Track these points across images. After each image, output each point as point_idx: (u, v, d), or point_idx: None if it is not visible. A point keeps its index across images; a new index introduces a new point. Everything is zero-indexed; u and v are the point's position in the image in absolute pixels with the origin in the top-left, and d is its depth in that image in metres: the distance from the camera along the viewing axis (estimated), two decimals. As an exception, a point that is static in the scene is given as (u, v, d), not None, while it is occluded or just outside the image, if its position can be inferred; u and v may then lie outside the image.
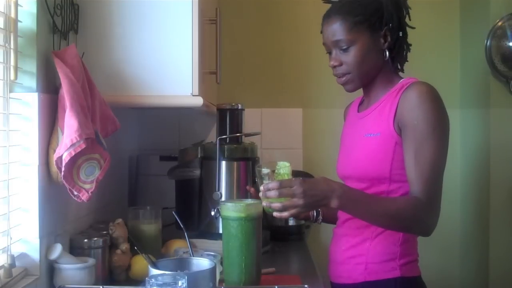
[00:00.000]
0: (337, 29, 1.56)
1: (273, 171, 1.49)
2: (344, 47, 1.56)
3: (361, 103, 1.73)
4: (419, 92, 1.50)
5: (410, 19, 1.63)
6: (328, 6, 1.64)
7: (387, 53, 1.58)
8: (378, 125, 1.56)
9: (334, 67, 1.60)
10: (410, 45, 1.64)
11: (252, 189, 1.74)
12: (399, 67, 1.64)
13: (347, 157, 1.67)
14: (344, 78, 1.60)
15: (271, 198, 1.42)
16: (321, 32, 1.64)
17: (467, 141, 2.59)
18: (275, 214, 1.44)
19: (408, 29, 1.63)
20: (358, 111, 1.71)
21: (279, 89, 2.65)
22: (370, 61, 1.58)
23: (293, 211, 1.41)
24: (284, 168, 1.49)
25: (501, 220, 2.41)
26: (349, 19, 1.55)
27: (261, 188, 1.45)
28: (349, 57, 1.57)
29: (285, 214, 1.42)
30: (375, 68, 1.60)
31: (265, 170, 1.49)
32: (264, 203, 1.45)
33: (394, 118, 1.52)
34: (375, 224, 1.54)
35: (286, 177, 1.47)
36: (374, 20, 1.56)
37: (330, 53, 1.62)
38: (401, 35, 1.60)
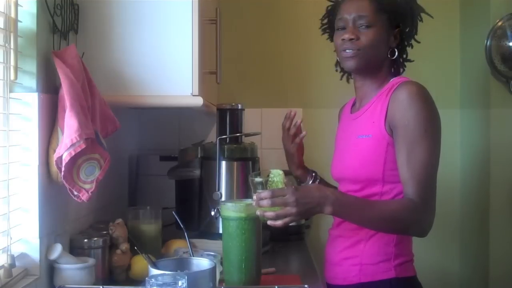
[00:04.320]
0: (364, 6, 1.57)
1: (266, 180, 1.48)
2: (365, 24, 1.56)
3: (354, 104, 1.73)
4: (409, 93, 1.50)
5: (416, 33, 1.65)
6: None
7: (396, 52, 1.60)
8: (370, 127, 1.56)
9: (350, 39, 1.57)
10: (413, 61, 1.66)
11: None
12: (395, 71, 1.64)
13: (341, 159, 1.67)
14: (354, 51, 1.57)
15: (265, 207, 1.41)
16: (333, 12, 1.65)
17: (467, 141, 2.59)
18: (269, 222, 1.43)
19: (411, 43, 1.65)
20: (351, 112, 1.71)
21: (279, 89, 2.65)
22: (380, 49, 1.59)
23: (286, 219, 1.40)
24: (278, 176, 1.48)
25: (501, 220, 2.40)
26: (378, 1, 1.57)
27: (254, 197, 1.44)
28: (367, 36, 1.56)
29: (278, 222, 1.41)
30: (379, 59, 1.60)
31: (258, 179, 1.48)
32: (257, 212, 1.44)
33: (385, 119, 1.52)
34: (370, 228, 1.54)
35: (279, 185, 1.47)
36: (393, 16, 1.59)
37: (341, 29, 1.60)
38: (410, 41, 1.63)
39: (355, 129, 1.62)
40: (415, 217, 1.47)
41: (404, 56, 1.66)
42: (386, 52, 1.60)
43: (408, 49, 1.66)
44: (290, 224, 1.46)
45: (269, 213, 1.41)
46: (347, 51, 1.58)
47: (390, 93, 1.53)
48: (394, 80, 1.59)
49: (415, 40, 1.65)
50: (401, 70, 1.67)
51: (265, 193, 1.40)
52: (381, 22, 1.57)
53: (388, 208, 1.48)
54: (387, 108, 1.52)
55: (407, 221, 1.47)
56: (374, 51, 1.57)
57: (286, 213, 1.39)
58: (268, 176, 1.49)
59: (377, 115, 1.55)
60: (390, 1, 1.59)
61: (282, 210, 1.39)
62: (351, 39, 1.56)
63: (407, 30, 1.62)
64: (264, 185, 1.47)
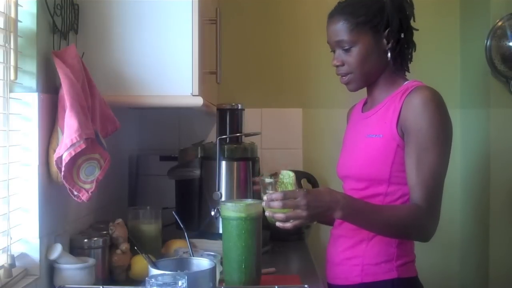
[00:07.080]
0: (340, 29, 1.56)
1: (276, 181, 1.48)
2: (346, 47, 1.57)
3: (365, 104, 1.73)
4: (424, 98, 1.49)
5: (414, 20, 1.62)
6: (333, 5, 1.64)
7: (389, 54, 1.58)
8: (381, 127, 1.56)
9: (337, 66, 1.61)
10: (415, 44, 1.64)
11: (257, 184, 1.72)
12: (403, 66, 1.62)
13: (348, 157, 1.67)
14: (346, 78, 1.61)
15: (275, 209, 1.41)
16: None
17: (467, 141, 2.59)
18: (278, 224, 1.42)
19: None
20: (362, 111, 1.71)
21: (279, 89, 2.65)
22: (372, 61, 1.58)
23: (296, 222, 1.40)
24: (288, 178, 1.48)
25: (501, 220, 2.40)
26: (352, 19, 1.55)
27: (265, 198, 1.43)
28: (351, 58, 1.57)
29: (288, 225, 1.41)
30: (378, 68, 1.60)
31: (268, 180, 1.48)
32: (267, 213, 1.43)
33: (397, 121, 1.52)
34: (377, 233, 1.54)
35: (289, 187, 1.47)
36: (376, 21, 1.56)
37: (334, 51, 1.63)
38: (402, 36, 1.58)
39: (365, 128, 1.62)
40: (421, 223, 1.47)
41: (405, 46, 1.60)
42: (384, 57, 1.59)
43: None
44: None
45: (279, 215, 1.40)
46: (342, 77, 1.61)
47: (404, 96, 1.53)
48: (409, 83, 1.58)
49: (414, 29, 1.62)
50: (408, 57, 1.62)
51: (276, 195, 1.40)
52: (364, 35, 1.55)
53: (395, 214, 1.48)
54: (400, 111, 1.52)
55: (413, 227, 1.48)
56: (366, 66, 1.57)
57: (297, 216, 1.39)
58: (278, 176, 1.48)
59: (389, 116, 1.54)
60: (363, 12, 1.55)
61: (293, 213, 1.39)
62: (337, 66, 1.60)
63: (398, 26, 1.56)
64: (274, 185, 1.46)
